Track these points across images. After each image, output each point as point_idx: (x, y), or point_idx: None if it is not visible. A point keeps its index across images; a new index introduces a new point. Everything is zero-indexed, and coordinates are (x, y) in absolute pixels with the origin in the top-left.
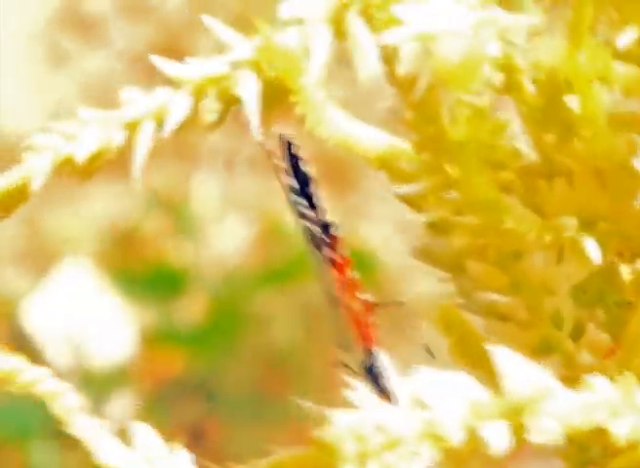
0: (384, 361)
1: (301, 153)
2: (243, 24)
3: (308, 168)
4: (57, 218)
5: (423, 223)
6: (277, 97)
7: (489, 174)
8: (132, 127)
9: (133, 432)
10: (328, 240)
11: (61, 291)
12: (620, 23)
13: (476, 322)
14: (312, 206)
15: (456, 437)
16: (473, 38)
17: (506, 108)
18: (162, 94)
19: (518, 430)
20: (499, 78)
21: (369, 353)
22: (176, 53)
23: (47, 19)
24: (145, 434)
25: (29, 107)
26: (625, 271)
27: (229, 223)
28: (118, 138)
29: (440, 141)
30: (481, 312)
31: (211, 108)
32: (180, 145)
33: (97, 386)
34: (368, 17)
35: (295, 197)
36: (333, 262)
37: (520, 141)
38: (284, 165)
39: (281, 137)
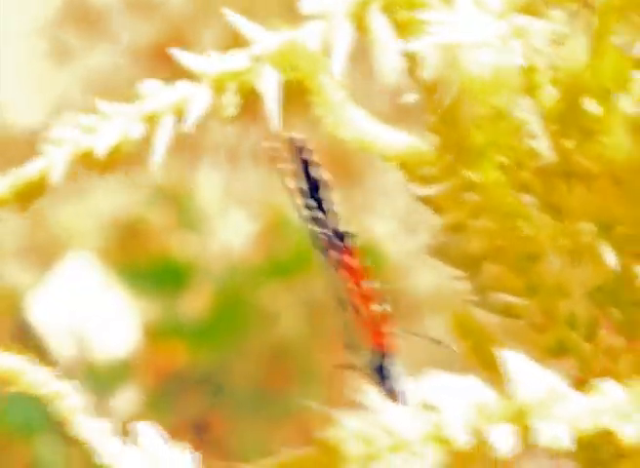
0: (396, 365)
1: (313, 157)
2: (250, 19)
3: (320, 172)
4: (61, 212)
5: (441, 224)
6: (295, 94)
7: (507, 176)
8: (151, 120)
9: (137, 432)
10: (342, 247)
11: (65, 284)
12: None
13: (491, 320)
14: (322, 210)
15: (462, 439)
16: (501, 50)
17: (526, 107)
18: (182, 87)
19: (525, 433)
20: (521, 79)
21: (380, 356)
22: (180, 48)
23: (51, 14)
24: (149, 434)
25: (33, 102)
26: None
27: (233, 217)
28: (137, 132)
29: (461, 145)
30: (495, 311)
31: (230, 102)
32: (184, 139)
33: (100, 380)
34: (389, 13)
35: (304, 201)
36: (347, 269)
37: (539, 141)
38: (293, 168)
39: (292, 141)
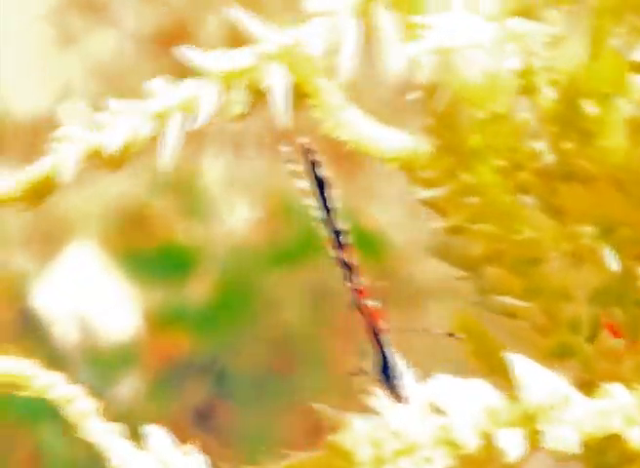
0: (398, 363)
1: (318, 158)
2: (255, 10)
3: (325, 173)
4: (65, 199)
5: (442, 227)
6: (302, 92)
7: (507, 178)
8: (161, 118)
9: (146, 434)
10: (342, 245)
11: (69, 271)
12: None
13: (493, 323)
14: (327, 209)
15: (471, 443)
16: (496, 54)
17: (525, 109)
18: (191, 85)
19: (533, 437)
20: (518, 82)
21: (382, 356)
22: (184, 34)
23: (55, 0)
24: (159, 436)
25: (37, 88)
26: None
27: (237, 204)
28: (147, 129)
29: (459, 148)
30: (497, 313)
31: (239, 100)
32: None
33: (104, 367)
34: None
35: (311, 201)
36: (347, 267)
37: (539, 143)
38: (302, 169)
39: (299, 144)
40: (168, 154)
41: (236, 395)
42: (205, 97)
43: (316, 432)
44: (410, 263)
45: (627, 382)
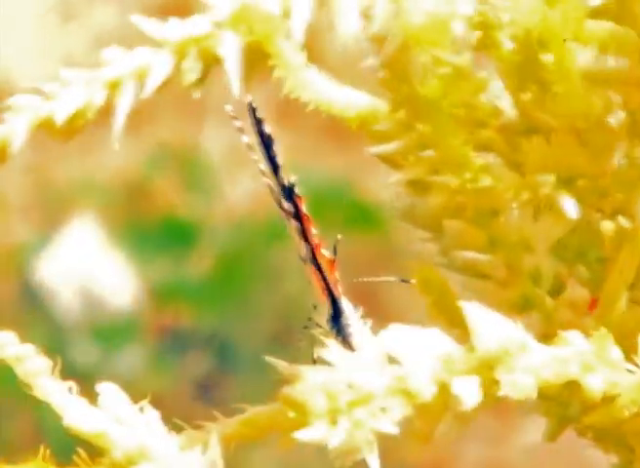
0: (350, 313)
1: (261, 115)
2: None
3: (269, 129)
4: (67, 172)
5: (402, 182)
6: (258, 56)
7: (466, 132)
8: (113, 87)
9: (100, 392)
10: (291, 198)
11: (71, 244)
12: None
13: (456, 280)
14: (274, 165)
15: (426, 392)
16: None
17: (486, 66)
18: (143, 53)
19: (490, 385)
20: (475, 36)
21: (334, 307)
22: (187, 5)
23: None
24: (113, 394)
25: (39, 59)
26: (606, 228)
27: (239, 177)
28: (99, 98)
29: (413, 100)
30: (460, 270)
31: (192, 68)
32: (189, 99)
33: (106, 339)
34: None
35: (257, 157)
36: (298, 219)
37: (500, 100)
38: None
39: (248, 105)
40: (120, 122)
41: (237, 367)
42: (157, 66)
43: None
44: (406, 234)
45: (587, 334)
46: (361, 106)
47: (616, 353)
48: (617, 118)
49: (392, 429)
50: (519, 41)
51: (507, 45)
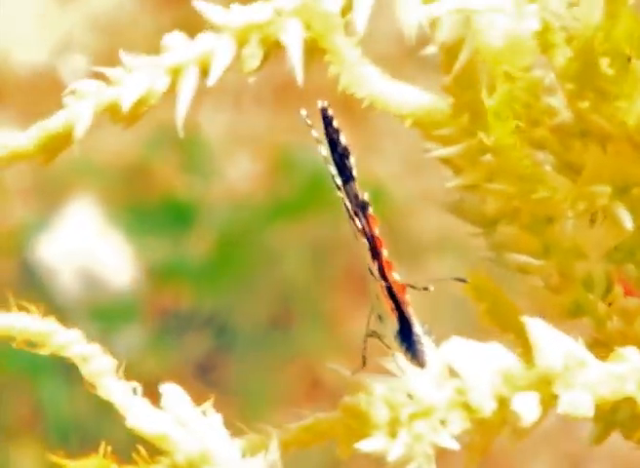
0: (419, 331)
1: (337, 124)
2: None
3: (345, 141)
4: (65, 153)
5: (458, 185)
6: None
7: (523, 136)
8: (176, 73)
9: (163, 393)
10: (363, 216)
11: (70, 224)
12: None
13: (506, 279)
14: (350, 178)
15: (486, 407)
16: (515, 15)
17: (541, 66)
18: (205, 40)
19: (548, 401)
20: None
21: (402, 323)
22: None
23: None
24: (176, 395)
25: (38, 41)
26: None
27: (238, 158)
28: (162, 84)
29: (476, 107)
30: (511, 270)
31: (253, 54)
32: None
33: (105, 319)
34: None
35: (333, 170)
36: (368, 239)
37: (555, 99)
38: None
39: (322, 112)
40: (183, 109)
41: (236, 349)
42: (220, 52)
43: (315, 386)
44: (409, 218)
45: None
46: (417, 106)
47: None
48: None
49: (452, 443)
50: (579, 49)
51: (566, 50)
